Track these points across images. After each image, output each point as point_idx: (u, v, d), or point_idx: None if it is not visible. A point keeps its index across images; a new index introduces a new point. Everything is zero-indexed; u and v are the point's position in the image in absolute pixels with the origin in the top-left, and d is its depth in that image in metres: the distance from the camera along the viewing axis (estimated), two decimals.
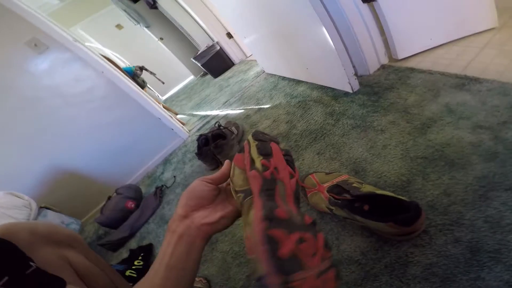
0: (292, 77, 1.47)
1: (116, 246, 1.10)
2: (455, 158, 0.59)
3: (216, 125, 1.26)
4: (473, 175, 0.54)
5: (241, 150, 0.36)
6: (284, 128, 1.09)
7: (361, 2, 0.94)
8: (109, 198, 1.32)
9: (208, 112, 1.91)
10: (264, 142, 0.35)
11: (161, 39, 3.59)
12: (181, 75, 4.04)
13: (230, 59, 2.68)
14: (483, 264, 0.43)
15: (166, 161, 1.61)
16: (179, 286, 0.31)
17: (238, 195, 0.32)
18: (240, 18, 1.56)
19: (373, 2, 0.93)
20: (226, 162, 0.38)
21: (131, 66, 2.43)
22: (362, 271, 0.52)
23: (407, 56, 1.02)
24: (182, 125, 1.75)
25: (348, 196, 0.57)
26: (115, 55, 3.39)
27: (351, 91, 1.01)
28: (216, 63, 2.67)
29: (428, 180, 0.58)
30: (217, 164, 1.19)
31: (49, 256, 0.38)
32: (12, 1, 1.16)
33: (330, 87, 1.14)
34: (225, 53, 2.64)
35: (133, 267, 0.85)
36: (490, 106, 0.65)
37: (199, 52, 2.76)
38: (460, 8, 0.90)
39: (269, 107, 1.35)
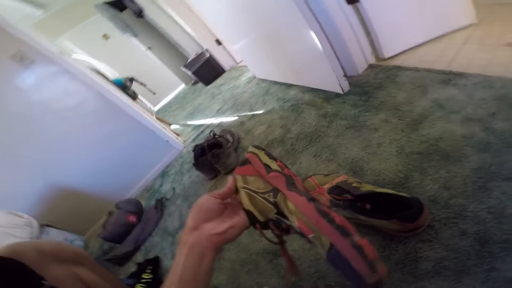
0: (283, 81, 1.48)
1: (122, 260, 1.11)
2: (449, 151, 0.61)
3: (211, 134, 1.26)
4: (469, 167, 0.56)
5: (244, 163, 0.39)
6: (279, 133, 1.10)
7: (346, 4, 0.97)
8: (110, 213, 1.31)
9: (202, 121, 1.91)
10: (266, 150, 0.40)
11: (150, 48, 3.56)
12: (172, 84, 4.01)
13: (220, 66, 2.68)
14: (495, 255, 0.43)
15: (163, 173, 1.59)
16: None
17: (268, 195, 0.35)
18: (228, 24, 1.57)
19: (357, 3, 0.96)
20: (231, 178, 0.40)
21: (120, 77, 2.39)
22: None
23: (393, 54, 1.04)
24: (177, 136, 1.74)
25: (348, 196, 0.58)
26: (103, 66, 3.34)
27: (342, 92, 1.03)
28: (206, 70, 2.67)
29: (425, 175, 0.59)
30: (216, 174, 1.18)
31: (59, 273, 0.38)
32: None
33: (321, 89, 1.16)
34: (215, 60, 2.64)
35: (142, 281, 0.85)
36: (477, 99, 0.68)
37: (188, 60, 2.75)
38: (438, 5, 0.93)
39: (262, 113, 1.36)
